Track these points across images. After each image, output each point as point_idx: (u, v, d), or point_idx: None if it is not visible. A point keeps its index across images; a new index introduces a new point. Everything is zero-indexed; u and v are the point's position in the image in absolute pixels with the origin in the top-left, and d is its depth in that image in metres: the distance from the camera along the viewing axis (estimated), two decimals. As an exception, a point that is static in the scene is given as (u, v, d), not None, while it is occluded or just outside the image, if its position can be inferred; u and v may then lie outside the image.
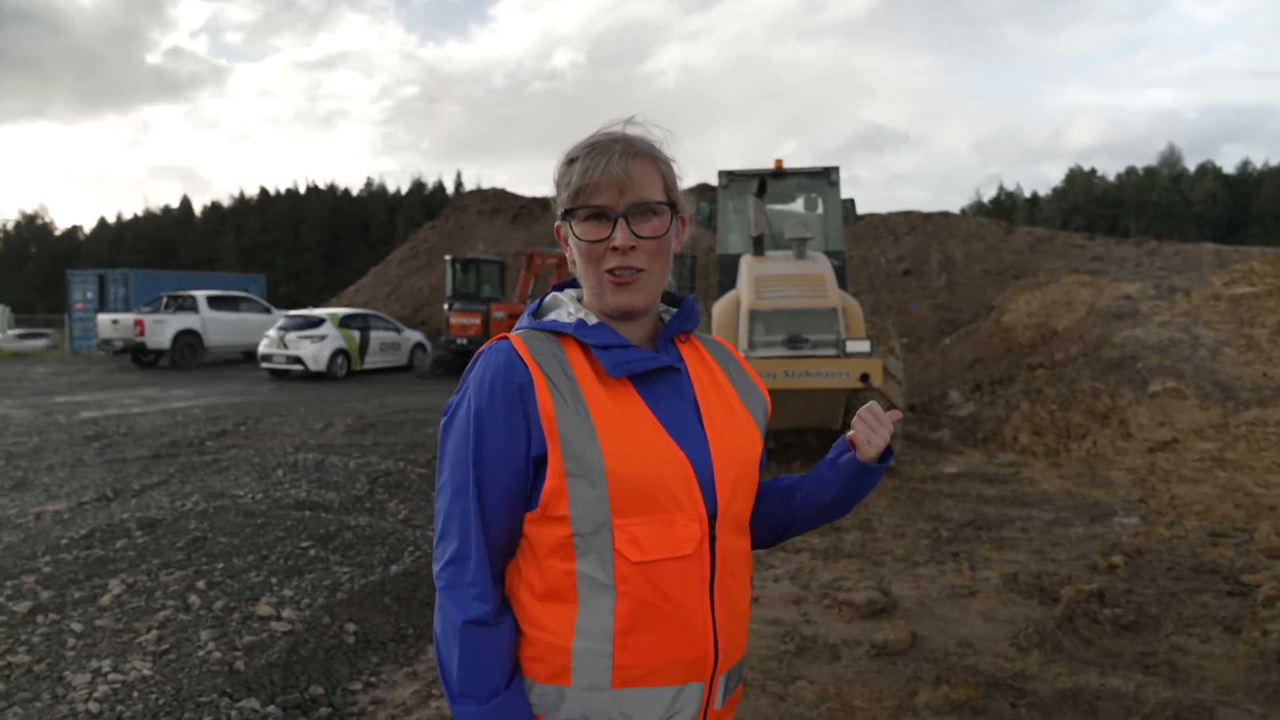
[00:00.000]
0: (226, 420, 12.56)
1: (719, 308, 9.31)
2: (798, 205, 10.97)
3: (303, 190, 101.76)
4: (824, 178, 10.61)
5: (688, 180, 1.51)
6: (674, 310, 1.52)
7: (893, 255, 30.99)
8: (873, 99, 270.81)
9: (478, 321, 20.13)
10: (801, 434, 10.13)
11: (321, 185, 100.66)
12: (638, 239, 1.34)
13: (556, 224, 1.43)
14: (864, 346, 8.11)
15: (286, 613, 4.56)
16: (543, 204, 38.67)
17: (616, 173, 1.33)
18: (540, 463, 1.30)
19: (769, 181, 10.25)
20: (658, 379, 1.38)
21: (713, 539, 1.34)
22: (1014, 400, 11.70)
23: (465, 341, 20.16)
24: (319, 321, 19.87)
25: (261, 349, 19.92)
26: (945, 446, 10.92)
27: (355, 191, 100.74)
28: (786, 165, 10.62)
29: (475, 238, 31.89)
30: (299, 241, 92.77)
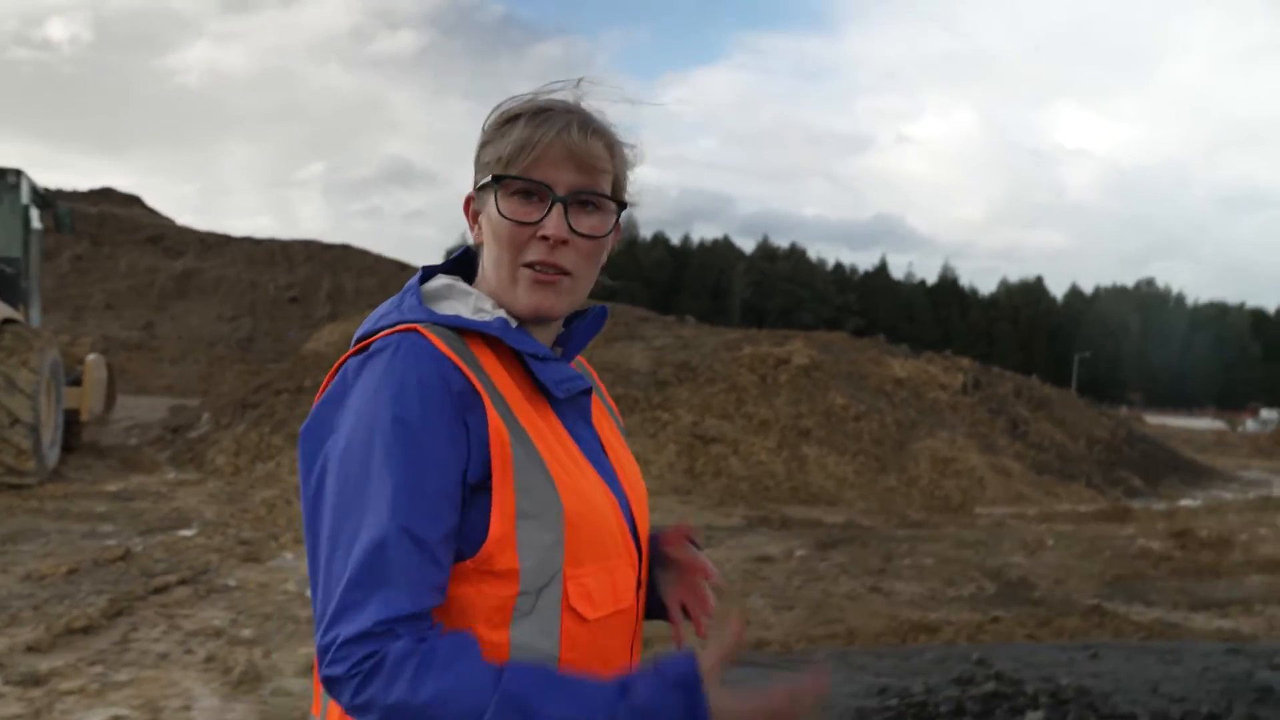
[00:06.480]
0: None
1: None
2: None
3: None
4: (1, 180, 10.01)
5: None
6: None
7: (284, 282, 31.12)
8: (400, 134, 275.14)
9: None
10: None
11: None
12: (573, 234, 1.09)
13: (469, 193, 1.17)
14: None
15: None
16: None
17: (568, 148, 1.08)
18: (473, 496, 1.01)
19: None
20: (568, 402, 1.14)
21: (638, 586, 1.16)
22: (242, 423, 12.05)
23: None
24: None
25: None
26: (139, 464, 11.05)
27: None
28: None
29: None
30: None
